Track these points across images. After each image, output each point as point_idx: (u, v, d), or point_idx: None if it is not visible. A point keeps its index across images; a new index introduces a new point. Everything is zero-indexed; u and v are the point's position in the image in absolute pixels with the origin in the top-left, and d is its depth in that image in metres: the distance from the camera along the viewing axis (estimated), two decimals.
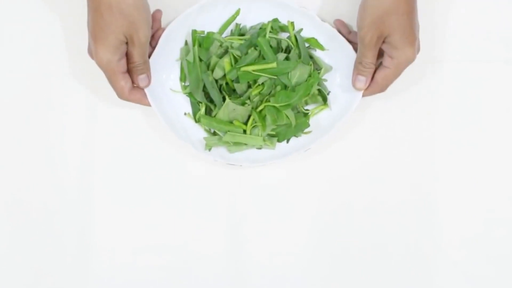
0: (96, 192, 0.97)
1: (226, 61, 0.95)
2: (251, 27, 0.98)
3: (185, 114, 0.97)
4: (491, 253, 0.97)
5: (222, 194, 0.98)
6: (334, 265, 0.97)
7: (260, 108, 0.95)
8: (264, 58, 0.95)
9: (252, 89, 0.95)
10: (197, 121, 0.97)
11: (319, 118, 0.97)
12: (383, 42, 0.90)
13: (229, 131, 0.95)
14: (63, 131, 0.98)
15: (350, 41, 0.96)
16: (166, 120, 0.94)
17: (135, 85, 0.93)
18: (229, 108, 0.94)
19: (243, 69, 0.94)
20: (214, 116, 0.96)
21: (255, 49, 0.95)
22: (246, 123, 0.96)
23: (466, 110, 0.98)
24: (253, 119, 0.95)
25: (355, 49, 0.94)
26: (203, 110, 0.96)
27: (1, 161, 0.98)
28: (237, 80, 0.95)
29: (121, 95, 0.92)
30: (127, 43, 0.89)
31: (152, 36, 0.95)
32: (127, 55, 0.91)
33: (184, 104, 0.97)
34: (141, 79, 0.92)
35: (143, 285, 0.97)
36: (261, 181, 0.98)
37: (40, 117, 0.98)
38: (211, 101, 0.96)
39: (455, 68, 0.99)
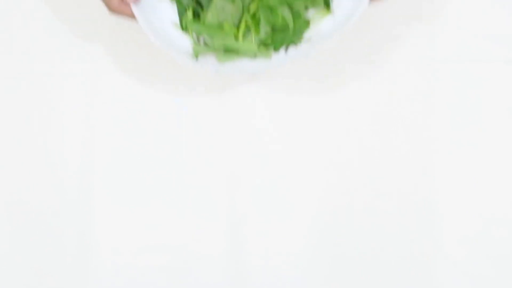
0: (96, 192, 0.97)
1: None
2: None
3: (172, 24, 0.90)
4: (491, 253, 0.96)
5: (222, 193, 0.97)
6: (334, 265, 0.96)
7: (252, 9, 0.88)
8: None
9: None
10: (184, 28, 0.90)
11: (321, 26, 0.89)
12: None
13: (218, 35, 0.87)
14: (63, 131, 0.97)
15: None
16: (152, 32, 0.87)
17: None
18: (218, 7, 0.87)
19: None
20: (203, 21, 0.89)
21: None
22: (238, 28, 0.88)
23: (466, 110, 0.98)
24: (245, 22, 0.88)
25: None
26: (190, 14, 0.89)
27: (0, 161, 0.97)
28: None
29: (109, 7, 0.88)
30: None
31: None
32: None
33: (171, 14, 0.91)
34: None
35: (143, 285, 0.96)
36: (261, 181, 0.97)
37: (39, 117, 0.98)
38: (199, 3, 0.89)
39: (455, 68, 0.98)
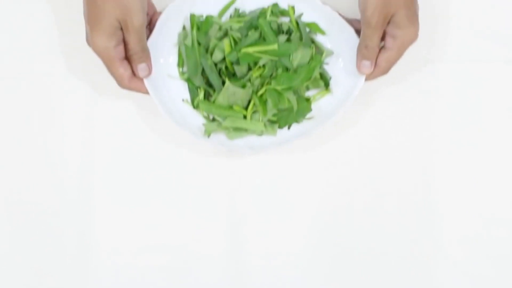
0: (96, 192, 0.97)
1: (226, 42, 0.93)
2: (251, 12, 0.96)
3: (183, 100, 0.95)
4: (491, 253, 0.96)
5: (222, 194, 0.97)
6: (334, 265, 0.96)
7: (260, 92, 0.93)
8: (265, 40, 0.93)
9: (252, 71, 0.93)
10: (195, 107, 0.95)
11: (321, 104, 0.96)
12: (388, 22, 0.89)
13: (229, 116, 0.93)
14: (63, 131, 0.97)
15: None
16: (164, 108, 0.92)
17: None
18: (229, 92, 0.92)
19: (243, 50, 0.92)
20: (213, 101, 0.94)
21: (256, 30, 0.93)
22: (246, 108, 0.94)
23: (466, 110, 0.98)
24: (254, 103, 0.93)
25: (357, 34, 0.93)
26: (201, 95, 0.94)
27: (0, 161, 0.97)
28: (237, 63, 0.93)
29: (120, 83, 0.91)
30: (122, 29, 0.88)
31: (150, 23, 0.93)
32: (124, 43, 0.89)
33: (182, 91, 0.96)
34: (140, 69, 0.90)
35: (143, 285, 0.96)
36: (261, 181, 0.97)
37: (39, 117, 0.98)
38: (210, 86, 0.95)
39: (455, 68, 0.98)
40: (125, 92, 0.94)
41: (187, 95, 0.96)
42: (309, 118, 0.95)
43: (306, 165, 0.97)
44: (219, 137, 0.94)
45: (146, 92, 0.91)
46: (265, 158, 0.97)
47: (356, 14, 0.93)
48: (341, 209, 0.97)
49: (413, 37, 0.89)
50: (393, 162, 0.97)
